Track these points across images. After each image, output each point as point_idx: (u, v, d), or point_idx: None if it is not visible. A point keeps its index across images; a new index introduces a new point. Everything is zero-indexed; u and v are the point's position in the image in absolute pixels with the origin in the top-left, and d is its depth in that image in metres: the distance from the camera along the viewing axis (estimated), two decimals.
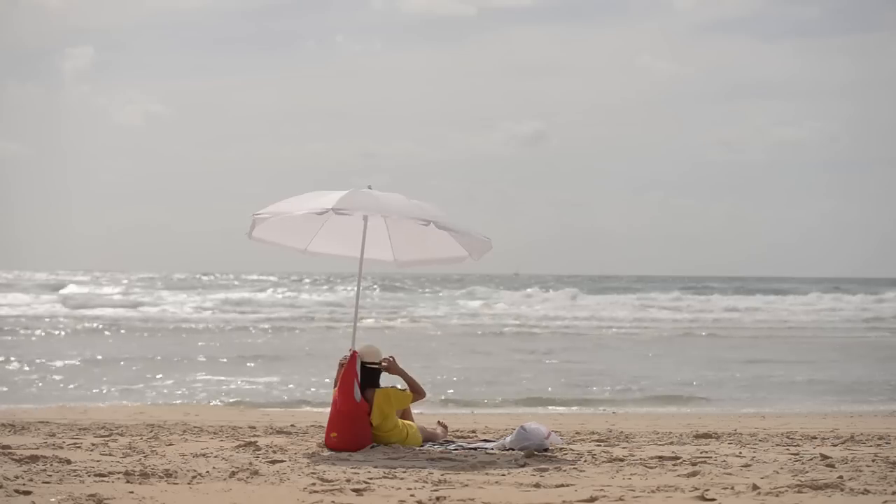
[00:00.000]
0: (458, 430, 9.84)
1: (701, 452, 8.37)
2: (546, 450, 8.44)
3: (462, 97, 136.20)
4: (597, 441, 9.28)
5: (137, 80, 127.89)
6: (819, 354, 23.52)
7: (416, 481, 6.90)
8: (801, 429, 10.58)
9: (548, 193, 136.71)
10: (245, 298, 46.45)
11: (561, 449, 8.57)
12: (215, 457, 7.96)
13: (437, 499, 6.28)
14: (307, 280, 76.68)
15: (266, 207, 8.76)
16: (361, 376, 8.58)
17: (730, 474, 7.16)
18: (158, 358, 20.26)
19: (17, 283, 59.71)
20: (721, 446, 8.89)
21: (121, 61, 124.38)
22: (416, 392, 8.81)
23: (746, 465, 7.58)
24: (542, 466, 7.57)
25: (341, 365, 8.67)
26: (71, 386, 15.87)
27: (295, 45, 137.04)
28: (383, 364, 8.71)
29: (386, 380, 8.84)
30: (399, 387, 8.82)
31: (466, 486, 6.76)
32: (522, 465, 7.64)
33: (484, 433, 9.81)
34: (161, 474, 6.97)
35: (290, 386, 16.26)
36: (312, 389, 15.80)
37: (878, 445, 8.93)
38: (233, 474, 7.04)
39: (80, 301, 41.78)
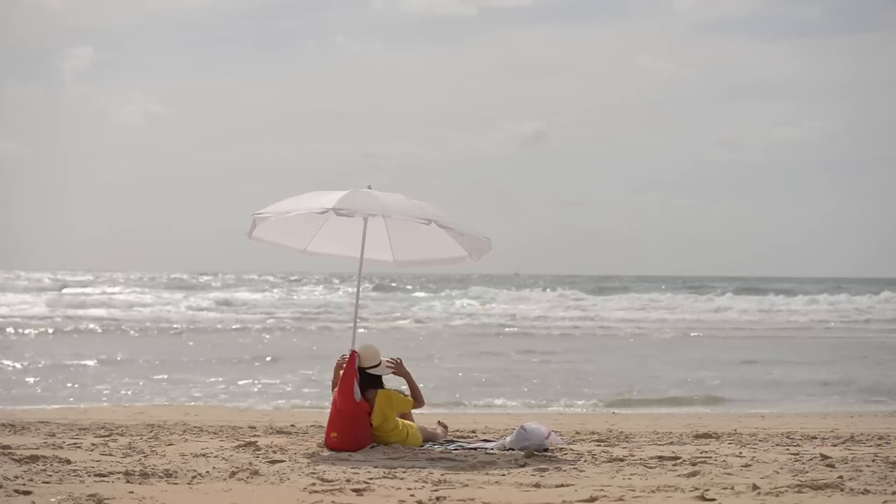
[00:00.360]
0: (458, 430, 9.84)
1: (701, 452, 8.37)
2: (546, 450, 8.43)
3: (462, 97, 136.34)
4: (597, 441, 9.27)
5: (137, 80, 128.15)
6: (819, 354, 23.51)
7: (416, 481, 6.90)
8: (801, 429, 10.57)
9: (548, 193, 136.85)
10: (244, 298, 46.46)
11: (561, 449, 8.57)
12: (215, 457, 7.96)
13: (437, 499, 6.28)
14: (307, 280, 76.66)
15: (266, 207, 8.77)
16: (361, 378, 8.58)
17: (730, 474, 7.16)
18: (158, 358, 20.26)
19: (16, 283, 59.70)
20: (721, 446, 8.89)
21: (121, 61, 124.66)
22: (417, 400, 8.82)
23: (746, 465, 7.58)
24: (542, 466, 7.57)
25: (339, 367, 8.67)
26: (71, 386, 15.87)
27: (295, 45, 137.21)
28: (389, 365, 8.70)
29: (390, 381, 8.83)
30: (403, 390, 8.81)
31: (466, 486, 6.75)
32: (522, 465, 7.64)
33: (484, 433, 9.80)
34: (161, 474, 6.97)
35: (290, 386, 16.25)
36: (312, 390, 15.79)
37: (878, 445, 8.93)
38: (233, 474, 7.04)
39: (80, 301, 41.77)
